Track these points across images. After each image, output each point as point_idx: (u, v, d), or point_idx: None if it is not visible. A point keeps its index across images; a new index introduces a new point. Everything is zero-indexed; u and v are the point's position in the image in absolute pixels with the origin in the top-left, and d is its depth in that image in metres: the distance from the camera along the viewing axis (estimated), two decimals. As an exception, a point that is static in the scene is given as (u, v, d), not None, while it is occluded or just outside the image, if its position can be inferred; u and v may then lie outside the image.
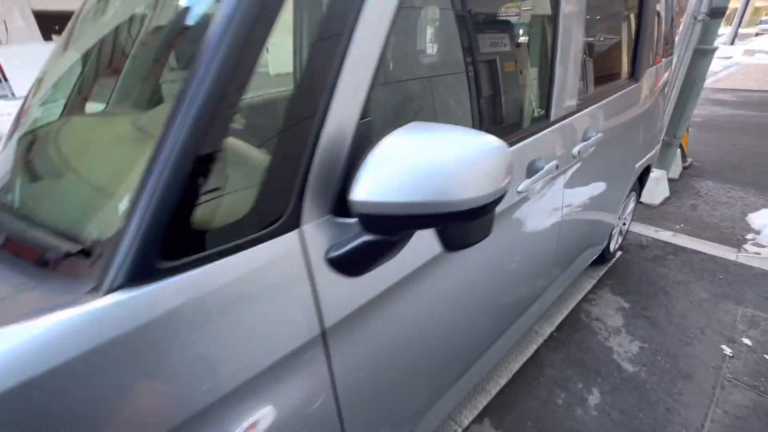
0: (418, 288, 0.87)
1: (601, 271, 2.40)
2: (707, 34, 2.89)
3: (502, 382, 1.67)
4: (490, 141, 0.59)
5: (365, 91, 0.66)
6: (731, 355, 1.79)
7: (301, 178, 0.61)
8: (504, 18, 1.20)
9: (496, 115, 1.11)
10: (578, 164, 1.42)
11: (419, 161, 0.56)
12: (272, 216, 0.60)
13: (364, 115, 0.67)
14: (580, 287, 2.25)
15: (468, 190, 0.56)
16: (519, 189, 1.07)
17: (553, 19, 1.15)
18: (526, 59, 1.22)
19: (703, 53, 2.94)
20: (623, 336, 1.91)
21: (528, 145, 1.11)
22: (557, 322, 2.01)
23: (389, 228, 0.61)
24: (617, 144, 1.72)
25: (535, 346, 1.85)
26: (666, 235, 2.77)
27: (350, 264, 0.68)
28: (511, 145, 1.05)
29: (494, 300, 1.21)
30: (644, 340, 1.88)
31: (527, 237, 1.25)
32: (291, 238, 0.62)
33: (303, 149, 0.61)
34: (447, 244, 0.63)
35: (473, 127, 0.98)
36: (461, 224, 0.61)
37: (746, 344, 1.85)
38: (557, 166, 1.20)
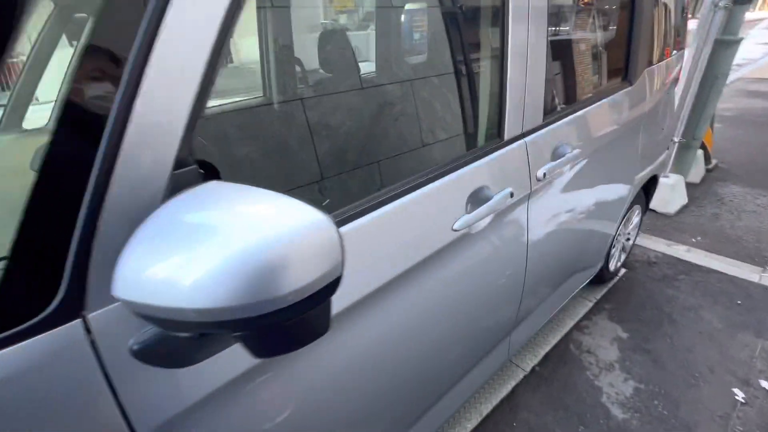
0: (300, 359, 0.71)
1: (600, 292, 2.15)
2: (731, 23, 2.55)
3: (470, 426, 1.49)
4: (312, 214, 0.42)
5: (182, 127, 0.50)
6: (744, 401, 1.54)
7: (78, 250, 0.46)
8: (424, 10, 1.00)
9: (414, 140, 0.92)
10: (550, 187, 1.21)
11: (212, 243, 0.39)
12: (33, 305, 0.45)
13: (183, 161, 0.51)
14: (573, 312, 2.01)
15: (291, 280, 0.40)
16: (455, 227, 0.89)
17: (502, 12, 0.94)
18: (465, 65, 1.02)
19: (726, 45, 2.60)
20: (616, 373, 1.68)
21: (470, 173, 0.92)
22: (542, 353, 1.79)
23: (178, 330, 0.45)
24: (607, 157, 1.48)
25: (513, 383, 1.65)
26: (679, 250, 2.48)
27: (167, 357, 0.52)
28: (442, 176, 0.86)
29: (430, 359, 1.01)
30: (640, 380, 1.64)
31: (479, 276, 1.06)
32: (69, 330, 0.47)
33: (73, 211, 0.45)
34: (257, 350, 0.46)
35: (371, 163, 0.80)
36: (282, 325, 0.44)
37: (764, 388, 1.58)
38: (512, 194, 1.00)
